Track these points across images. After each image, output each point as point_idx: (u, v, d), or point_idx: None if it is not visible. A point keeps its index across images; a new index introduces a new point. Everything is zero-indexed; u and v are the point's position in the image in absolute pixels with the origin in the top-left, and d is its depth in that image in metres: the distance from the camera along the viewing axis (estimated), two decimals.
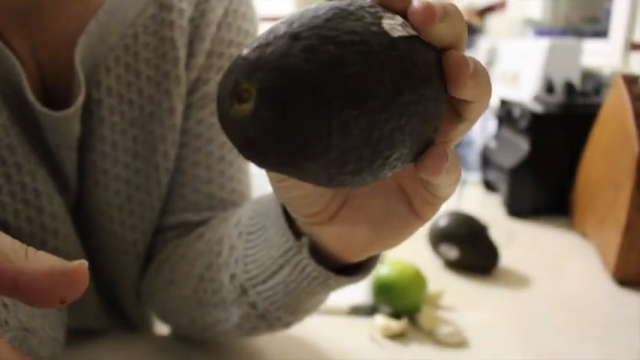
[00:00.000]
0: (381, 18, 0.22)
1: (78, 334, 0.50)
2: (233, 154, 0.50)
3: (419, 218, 0.30)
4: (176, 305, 0.47)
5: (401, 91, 0.21)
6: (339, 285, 0.35)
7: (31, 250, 0.20)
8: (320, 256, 0.34)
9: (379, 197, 0.30)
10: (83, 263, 0.20)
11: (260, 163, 0.22)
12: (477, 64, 0.23)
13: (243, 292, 0.39)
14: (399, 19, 0.22)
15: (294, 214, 0.31)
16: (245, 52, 0.21)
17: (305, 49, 0.20)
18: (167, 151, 0.47)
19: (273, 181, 0.29)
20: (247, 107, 0.20)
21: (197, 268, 0.44)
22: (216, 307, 0.43)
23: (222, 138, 0.49)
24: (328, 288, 0.36)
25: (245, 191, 0.51)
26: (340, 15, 0.21)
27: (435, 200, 0.28)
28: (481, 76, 0.23)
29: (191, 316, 0.46)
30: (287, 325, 0.41)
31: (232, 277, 0.40)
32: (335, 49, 0.20)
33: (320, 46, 0.20)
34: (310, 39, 0.20)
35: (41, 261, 0.20)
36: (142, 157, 0.47)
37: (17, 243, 0.20)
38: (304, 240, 0.34)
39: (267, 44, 0.20)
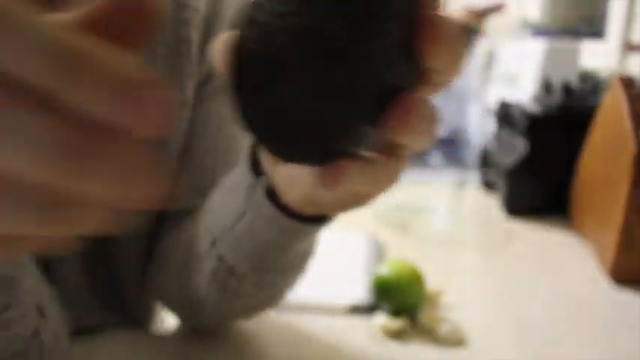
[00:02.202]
0: None
1: (78, 334, 0.50)
2: (240, 144, 0.51)
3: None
4: (174, 283, 0.48)
5: None
6: (293, 230, 0.35)
7: None
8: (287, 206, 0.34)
9: None
10: None
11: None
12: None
13: (213, 243, 0.40)
14: None
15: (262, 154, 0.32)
16: None
17: None
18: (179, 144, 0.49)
19: None
20: None
21: (185, 236, 0.46)
22: (195, 271, 0.44)
23: (230, 129, 0.50)
24: (283, 235, 0.35)
25: None
26: None
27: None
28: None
29: (180, 288, 0.47)
30: (256, 285, 0.41)
31: (206, 228, 0.41)
32: None
33: None
34: None
35: None
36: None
37: None
38: (262, 179, 0.34)
39: None
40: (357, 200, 0.30)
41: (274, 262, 0.39)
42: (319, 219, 0.35)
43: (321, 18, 0.20)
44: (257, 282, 0.41)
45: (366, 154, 0.25)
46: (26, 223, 0.16)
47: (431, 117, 0.23)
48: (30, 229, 0.16)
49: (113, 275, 0.52)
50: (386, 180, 0.26)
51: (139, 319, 0.57)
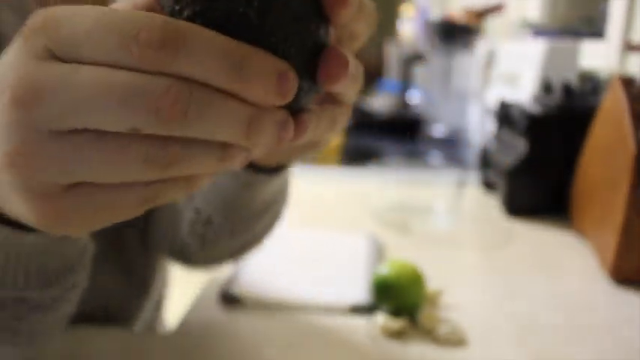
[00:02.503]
0: None
1: (77, 332, 0.50)
2: None
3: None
4: (166, 232, 0.53)
5: None
6: (252, 181, 0.40)
7: None
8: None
9: None
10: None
11: None
12: None
13: (190, 196, 0.46)
14: None
15: None
16: None
17: None
18: None
19: None
20: None
21: None
22: (177, 221, 0.49)
23: None
24: (243, 185, 0.41)
25: None
26: None
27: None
28: None
29: (169, 235, 0.52)
30: (231, 233, 0.46)
31: None
32: None
33: None
34: None
35: None
36: None
37: None
38: None
39: None
40: (311, 147, 0.34)
41: (243, 211, 0.44)
42: (276, 169, 0.40)
43: (230, 4, 0.22)
44: (232, 230, 0.46)
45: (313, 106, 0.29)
46: (211, 164, 0.23)
47: (355, 67, 0.28)
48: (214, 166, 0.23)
49: (117, 234, 0.53)
50: (335, 126, 0.29)
51: (143, 282, 0.58)
